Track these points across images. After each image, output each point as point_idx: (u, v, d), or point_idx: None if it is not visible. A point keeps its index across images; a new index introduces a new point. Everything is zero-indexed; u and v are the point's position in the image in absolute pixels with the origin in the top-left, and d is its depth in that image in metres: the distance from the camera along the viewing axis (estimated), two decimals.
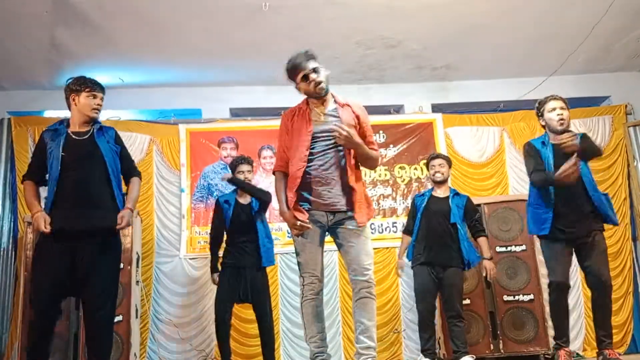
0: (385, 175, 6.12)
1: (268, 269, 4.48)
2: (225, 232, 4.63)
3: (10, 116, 5.89)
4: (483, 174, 6.13)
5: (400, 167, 6.15)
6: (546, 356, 5.07)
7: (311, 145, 2.91)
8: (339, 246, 2.96)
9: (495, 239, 5.28)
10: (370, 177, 6.05)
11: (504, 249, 5.24)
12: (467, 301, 4.99)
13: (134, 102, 6.27)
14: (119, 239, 3.26)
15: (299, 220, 2.83)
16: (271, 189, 5.93)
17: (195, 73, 6.09)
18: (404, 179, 6.12)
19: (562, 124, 3.66)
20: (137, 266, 5.23)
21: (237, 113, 6.41)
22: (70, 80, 3.26)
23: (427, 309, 4.50)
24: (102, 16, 4.97)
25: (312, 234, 2.89)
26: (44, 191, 3.17)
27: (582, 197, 3.61)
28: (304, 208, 2.90)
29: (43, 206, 3.10)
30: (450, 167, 4.83)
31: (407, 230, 4.85)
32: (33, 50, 5.39)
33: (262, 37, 5.42)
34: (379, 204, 6.01)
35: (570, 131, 3.64)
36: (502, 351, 4.99)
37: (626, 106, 6.33)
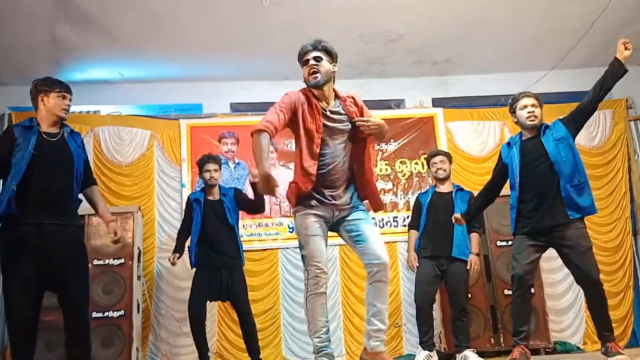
0: (386, 169, 6.12)
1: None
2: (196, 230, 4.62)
3: (10, 111, 5.89)
4: (484, 168, 6.11)
5: (401, 162, 6.15)
6: (546, 350, 5.10)
7: (322, 143, 2.90)
8: (349, 236, 2.95)
9: (495, 233, 5.29)
10: None
11: (504, 243, 5.24)
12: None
13: (135, 97, 6.27)
14: (82, 240, 3.34)
15: (273, 184, 2.76)
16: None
17: (195, 68, 6.08)
18: (404, 174, 6.12)
19: (532, 120, 3.65)
20: (139, 261, 5.25)
21: (237, 108, 6.41)
22: (37, 81, 3.27)
23: (424, 300, 4.52)
24: (103, 11, 4.97)
25: (316, 227, 2.88)
26: None
27: (549, 187, 3.53)
28: (311, 204, 2.91)
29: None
30: (451, 162, 4.85)
31: (412, 225, 4.86)
32: (34, 46, 5.39)
33: (263, 32, 5.42)
34: None
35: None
36: (502, 345, 5.01)
37: (627, 100, 6.32)
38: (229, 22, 5.26)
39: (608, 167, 6.10)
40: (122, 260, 5.10)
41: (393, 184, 6.09)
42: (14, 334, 2.98)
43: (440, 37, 5.72)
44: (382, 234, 5.85)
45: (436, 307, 5.22)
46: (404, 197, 6.04)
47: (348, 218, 2.95)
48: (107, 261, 5.04)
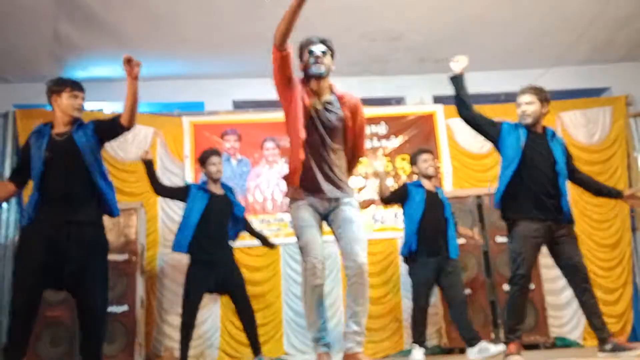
0: (387, 166, 6.16)
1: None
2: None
3: (15, 109, 5.92)
4: (484, 165, 6.15)
5: (401, 158, 6.19)
6: (546, 345, 5.14)
7: (307, 132, 2.91)
8: (334, 233, 2.96)
9: (496, 229, 5.32)
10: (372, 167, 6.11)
11: (504, 239, 5.26)
12: (468, 290, 5.05)
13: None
14: (104, 234, 3.24)
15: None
16: (273, 181, 6.02)
17: (198, 66, 6.12)
18: (405, 170, 6.17)
19: (524, 119, 3.66)
20: (142, 257, 5.29)
21: (239, 105, 6.45)
22: (49, 82, 3.28)
23: (426, 304, 4.60)
24: (106, 9, 5.01)
25: (309, 218, 2.90)
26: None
27: (549, 179, 3.57)
28: (302, 196, 2.93)
29: (27, 205, 3.10)
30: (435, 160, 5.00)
31: (388, 199, 4.84)
32: (37, 44, 5.43)
33: (265, 30, 5.36)
34: None
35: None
36: (503, 340, 5.03)
37: (627, 97, 6.35)
38: (231, 20, 5.29)
39: (607, 164, 6.12)
40: (126, 256, 5.15)
41: (394, 180, 6.12)
42: (9, 327, 3.00)
43: (442, 35, 5.75)
44: (382, 230, 5.92)
45: (437, 303, 5.28)
46: None
47: (336, 212, 2.94)
48: (110, 257, 5.05)
